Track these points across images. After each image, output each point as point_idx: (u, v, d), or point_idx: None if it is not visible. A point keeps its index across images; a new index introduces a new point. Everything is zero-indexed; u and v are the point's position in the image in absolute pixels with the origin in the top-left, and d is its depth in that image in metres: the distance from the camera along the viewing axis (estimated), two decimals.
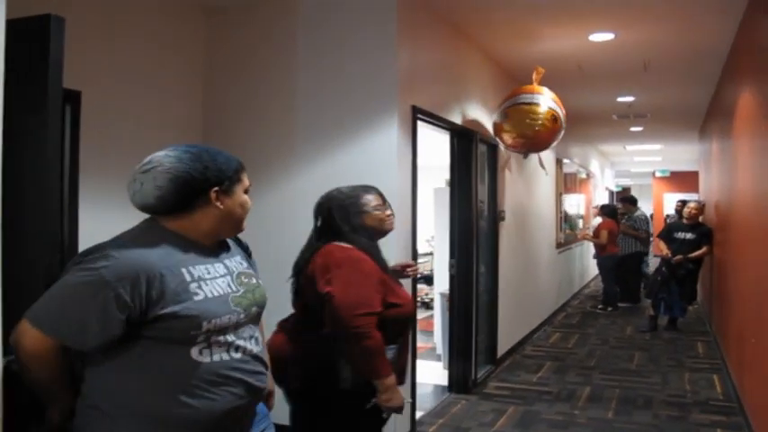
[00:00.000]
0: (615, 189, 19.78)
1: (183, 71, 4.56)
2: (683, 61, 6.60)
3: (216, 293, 1.86)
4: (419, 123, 4.56)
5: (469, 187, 5.66)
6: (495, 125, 5.85)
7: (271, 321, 2.97)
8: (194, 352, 1.80)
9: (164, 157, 1.88)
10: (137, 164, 1.91)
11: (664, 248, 8.38)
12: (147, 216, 1.95)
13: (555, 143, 6.07)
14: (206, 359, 1.82)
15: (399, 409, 2.61)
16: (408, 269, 3.07)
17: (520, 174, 7.59)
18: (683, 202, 9.77)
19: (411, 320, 2.75)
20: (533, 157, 7.57)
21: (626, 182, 23.49)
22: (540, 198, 8.79)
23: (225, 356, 1.86)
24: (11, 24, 1.98)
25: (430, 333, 7.24)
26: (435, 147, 5.94)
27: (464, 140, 5.61)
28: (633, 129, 11.58)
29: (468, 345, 5.72)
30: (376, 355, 2.50)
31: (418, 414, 4.78)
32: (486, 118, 6.07)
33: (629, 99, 8.72)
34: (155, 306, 1.75)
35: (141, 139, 3.98)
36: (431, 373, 6.10)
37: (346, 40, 4.36)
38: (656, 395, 5.71)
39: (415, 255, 4.50)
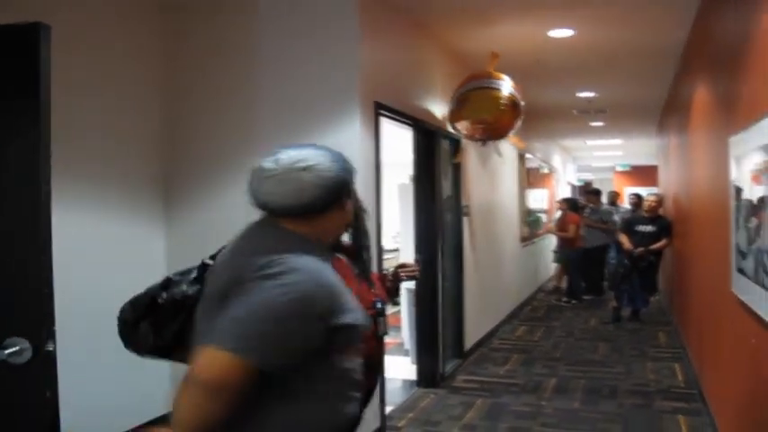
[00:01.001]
0: (577, 183, 20.03)
1: (142, 70, 4.50)
2: (641, 57, 6.73)
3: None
4: (382, 119, 4.59)
5: (433, 183, 5.71)
6: (452, 112, 5.73)
7: None
8: (344, 360, 1.72)
9: (317, 155, 1.75)
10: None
11: (626, 241, 8.53)
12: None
13: (513, 132, 5.97)
14: (349, 365, 1.74)
15: None
16: (401, 270, 3.02)
17: (484, 169, 7.67)
18: (638, 196, 9.95)
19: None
20: (496, 149, 7.65)
21: (588, 176, 23.78)
22: (503, 193, 8.89)
23: (355, 362, 1.78)
24: None
25: (398, 328, 7.27)
26: (399, 143, 5.97)
27: (427, 136, 5.66)
28: (594, 124, 11.75)
29: (435, 339, 5.78)
30: None
31: (388, 409, 4.82)
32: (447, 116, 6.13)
33: (590, 94, 8.86)
34: (337, 316, 1.65)
35: (99, 141, 3.97)
36: (399, 368, 6.15)
37: (308, 36, 4.35)
38: (621, 384, 5.83)
39: (380, 251, 4.54)
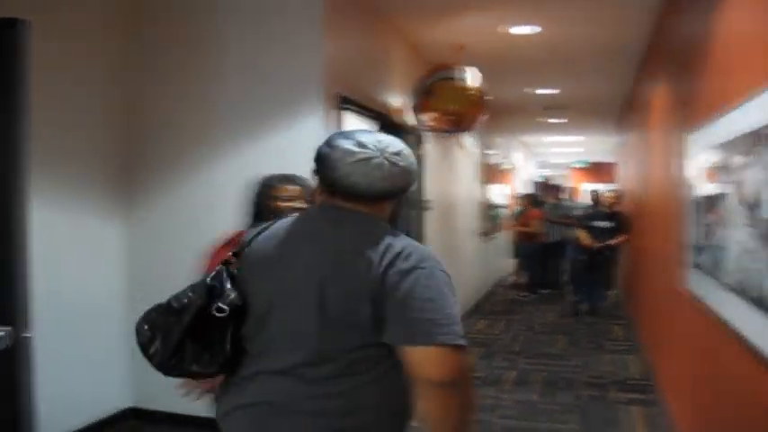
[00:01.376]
0: (538, 179, 20.24)
1: (100, 62, 4.43)
2: (603, 55, 6.82)
3: None
4: (346, 113, 4.58)
5: None
6: (418, 103, 5.64)
7: None
8: None
9: (400, 142, 1.75)
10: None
11: (584, 237, 8.65)
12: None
13: (479, 124, 5.97)
14: None
15: None
16: None
17: (445, 164, 7.71)
18: (597, 192, 10.10)
19: None
20: (458, 142, 7.67)
21: (548, 172, 24.04)
22: (464, 188, 8.95)
23: None
24: None
25: None
26: None
27: (390, 130, 5.65)
28: (555, 120, 11.88)
29: None
30: None
31: None
32: (410, 109, 6.14)
33: (552, 91, 8.95)
34: None
35: (58, 132, 3.91)
36: None
37: (272, 27, 4.32)
38: (578, 377, 5.92)
39: None
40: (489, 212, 11.14)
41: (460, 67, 5.50)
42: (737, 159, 2.52)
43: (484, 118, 5.78)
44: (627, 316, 8.71)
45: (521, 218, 10.98)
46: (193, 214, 4.44)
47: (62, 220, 4.04)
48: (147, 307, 1.87)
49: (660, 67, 5.38)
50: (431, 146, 6.84)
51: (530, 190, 13.60)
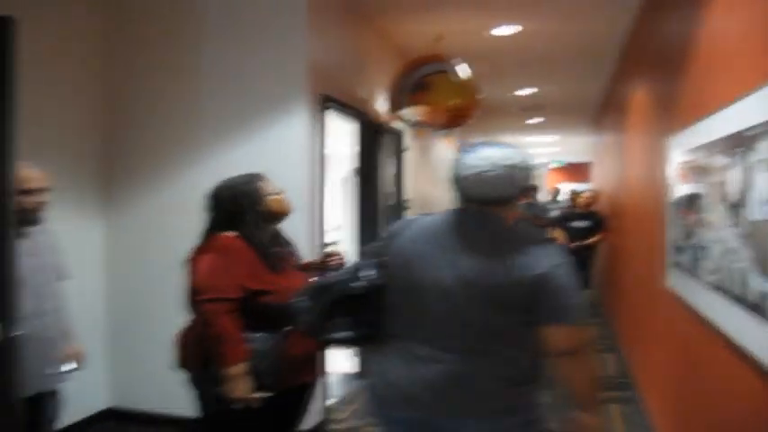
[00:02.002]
0: None
1: (81, 57, 4.38)
2: (582, 55, 6.86)
3: None
4: (329, 112, 4.57)
5: (376, 176, 5.72)
6: (406, 98, 5.29)
7: (170, 312, 2.97)
8: None
9: (518, 152, 2.09)
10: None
11: (560, 236, 8.69)
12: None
13: (473, 118, 5.69)
14: None
15: (247, 401, 2.55)
16: (332, 259, 3.09)
17: (424, 164, 7.72)
18: (575, 192, 10.15)
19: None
20: (437, 141, 7.67)
21: None
22: (443, 187, 8.95)
23: None
24: None
25: None
26: (343, 135, 5.96)
27: (371, 129, 5.66)
28: (533, 120, 11.94)
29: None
30: (221, 342, 2.51)
31: (330, 401, 4.81)
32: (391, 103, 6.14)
33: (530, 91, 8.99)
34: None
35: (37, 130, 3.84)
36: (339, 362, 6.13)
37: (255, 27, 4.31)
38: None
39: (323, 243, 4.53)
40: None
41: (450, 61, 5.28)
42: (719, 161, 2.55)
43: (477, 113, 5.58)
44: (604, 315, 8.78)
45: None
46: (174, 216, 4.39)
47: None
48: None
49: (639, 67, 5.42)
50: (410, 145, 6.84)
51: None
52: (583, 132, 13.58)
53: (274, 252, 2.75)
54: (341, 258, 3.11)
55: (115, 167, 4.54)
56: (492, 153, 2.05)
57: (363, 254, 2.34)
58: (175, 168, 4.46)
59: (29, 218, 2.78)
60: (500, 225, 2.08)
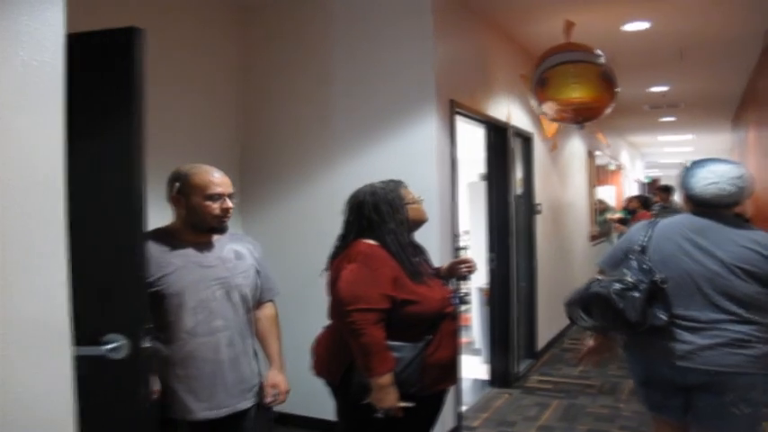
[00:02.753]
0: (645, 180, 19.59)
1: (219, 71, 4.57)
2: (718, 49, 6.53)
3: None
4: (456, 117, 4.55)
5: (505, 181, 5.64)
6: (536, 94, 5.06)
7: (309, 318, 3.02)
8: None
9: (738, 169, 2.74)
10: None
11: None
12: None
13: (609, 110, 5.08)
14: None
15: (393, 411, 2.53)
16: (463, 266, 3.04)
17: (554, 166, 7.55)
18: None
19: (437, 318, 2.69)
20: (570, 145, 7.48)
21: (655, 172, 23.24)
22: (573, 190, 8.74)
23: None
24: (86, 37, 2.15)
25: (467, 328, 7.22)
26: (465, 139, 5.93)
27: (499, 134, 5.59)
28: (665, 119, 11.47)
29: (508, 339, 5.71)
30: (369, 353, 2.49)
31: (462, 408, 4.78)
32: (519, 110, 6.05)
33: (663, 89, 8.64)
34: None
35: (177, 142, 4.03)
36: (470, 368, 6.10)
37: (383, 35, 4.35)
38: None
39: (455, 249, 4.51)
40: (598, 215, 10.84)
41: (577, 47, 4.88)
42: None
43: (612, 104, 4.98)
44: None
45: (629, 220, 10.62)
46: (308, 223, 4.50)
47: None
48: None
49: None
50: (539, 147, 6.71)
51: (638, 191, 13.15)
52: (720, 130, 12.89)
53: (415, 261, 2.74)
54: (471, 265, 3.05)
55: (248, 174, 4.70)
56: (724, 167, 2.72)
57: (614, 252, 3.01)
58: (307, 175, 4.56)
59: (214, 225, 2.58)
60: (734, 223, 2.71)
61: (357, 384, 2.59)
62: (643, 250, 2.77)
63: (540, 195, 6.68)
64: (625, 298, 2.66)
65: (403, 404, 2.55)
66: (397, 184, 2.84)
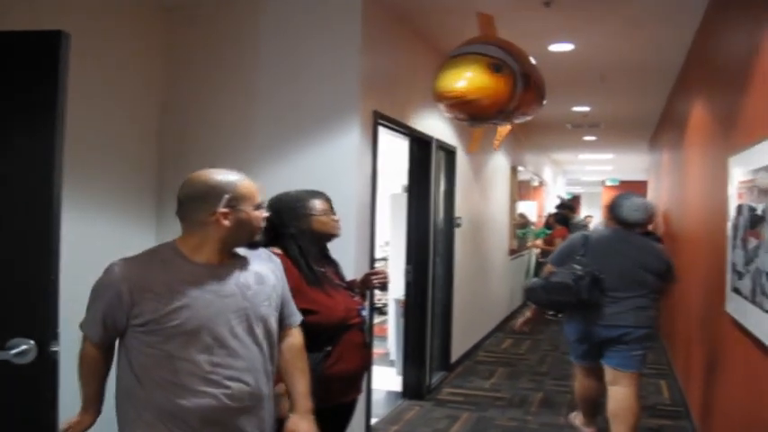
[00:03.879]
0: (566, 197, 20.08)
1: (141, 75, 4.43)
2: (637, 74, 6.74)
3: None
4: (380, 129, 4.54)
5: (427, 193, 5.67)
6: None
7: None
8: None
9: (646, 200, 4.46)
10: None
11: None
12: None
13: (509, 106, 4.23)
14: None
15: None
16: (375, 277, 3.03)
17: (476, 180, 7.64)
18: None
19: (339, 329, 2.67)
20: (493, 160, 7.56)
21: (577, 190, 23.86)
22: (495, 205, 8.87)
23: None
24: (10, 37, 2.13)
25: (383, 338, 7.22)
26: (392, 150, 5.94)
27: (422, 146, 5.62)
28: (586, 138, 11.77)
29: (423, 351, 5.73)
30: None
31: (372, 420, 4.76)
32: (442, 123, 6.08)
33: (585, 109, 8.86)
34: None
35: (95, 143, 3.89)
36: (384, 380, 6.09)
37: (309, 43, 4.30)
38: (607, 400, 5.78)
39: (372, 260, 4.49)
40: (518, 230, 11.03)
41: (472, 41, 4.29)
42: None
43: (513, 100, 4.21)
44: (660, 339, 8.54)
45: (547, 236, 10.85)
46: None
47: (92, 234, 3.99)
48: None
49: (698, 84, 5.27)
50: (462, 160, 6.77)
51: (557, 208, 13.46)
52: (638, 150, 13.33)
53: (317, 271, 2.71)
54: (384, 277, 3.05)
55: (168, 178, 4.57)
56: (644, 202, 4.43)
57: (560, 254, 4.50)
58: None
59: (257, 238, 2.25)
60: (642, 238, 4.44)
61: None
62: (585, 253, 4.25)
63: (461, 209, 6.74)
64: (579, 284, 4.10)
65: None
66: (309, 194, 2.81)
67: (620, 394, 4.26)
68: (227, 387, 2.00)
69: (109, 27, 4.08)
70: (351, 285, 2.96)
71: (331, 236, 2.83)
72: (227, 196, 2.13)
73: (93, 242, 3.86)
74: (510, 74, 4.08)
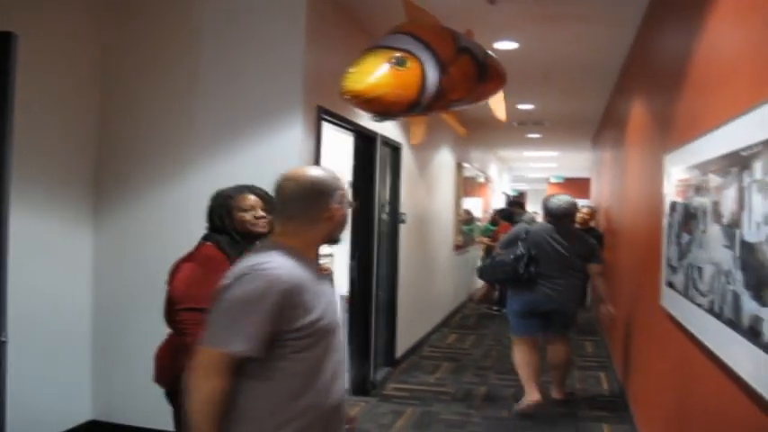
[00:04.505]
0: (512, 193, 20.34)
1: (76, 66, 4.33)
2: (579, 73, 6.86)
3: None
4: (324, 124, 4.53)
5: (371, 189, 5.68)
6: None
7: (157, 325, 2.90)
8: None
9: (569, 198, 5.42)
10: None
11: None
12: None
13: (421, 99, 3.71)
14: None
15: None
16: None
17: (422, 177, 7.68)
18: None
19: None
20: (439, 156, 7.58)
21: (522, 186, 24.19)
22: (440, 201, 8.93)
23: None
24: None
25: None
26: (338, 147, 5.93)
27: (367, 142, 5.62)
28: (531, 135, 11.92)
29: (367, 347, 5.74)
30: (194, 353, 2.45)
31: None
32: (389, 120, 6.07)
33: (529, 107, 8.98)
34: None
35: (29, 137, 3.78)
36: None
37: (254, 36, 4.26)
38: (549, 393, 5.88)
39: (317, 256, 4.47)
40: (463, 226, 11.13)
41: (389, 32, 3.92)
42: (715, 180, 2.51)
43: (426, 94, 3.73)
44: (599, 332, 8.72)
45: (491, 232, 10.98)
46: (164, 226, 4.34)
47: (30, 229, 3.90)
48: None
49: (637, 85, 5.40)
50: (408, 157, 6.80)
51: (503, 204, 13.63)
52: (582, 148, 13.57)
53: None
54: (327, 271, 3.05)
55: (106, 175, 4.49)
56: (567, 198, 5.27)
57: (506, 240, 5.62)
58: (167, 178, 4.40)
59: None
60: (571, 227, 5.29)
61: (185, 388, 2.52)
62: (525, 239, 5.29)
63: (406, 205, 6.77)
64: (517, 262, 5.21)
65: None
66: (237, 190, 2.82)
67: (558, 350, 5.60)
68: (342, 384, 2.10)
69: (42, 27, 3.97)
70: None
71: (251, 234, 2.80)
72: (339, 192, 2.09)
73: (28, 242, 3.79)
74: (416, 66, 3.69)
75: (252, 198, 2.80)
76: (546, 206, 5.42)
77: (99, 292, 4.48)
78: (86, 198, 4.42)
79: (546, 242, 5.26)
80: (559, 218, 5.30)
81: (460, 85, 4.19)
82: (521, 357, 5.41)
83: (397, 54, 3.64)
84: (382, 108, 3.79)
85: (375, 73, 3.58)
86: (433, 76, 3.77)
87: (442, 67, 3.85)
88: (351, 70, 3.64)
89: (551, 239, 5.26)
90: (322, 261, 4.40)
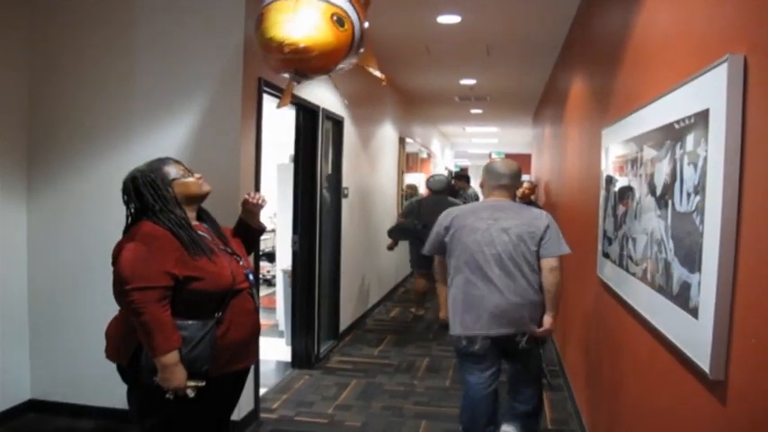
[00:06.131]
0: (454, 169, 20.50)
1: (4, 27, 4.19)
2: (521, 48, 6.91)
3: None
4: (265, 97, 4.48)
5: (314, 163, 5.65)
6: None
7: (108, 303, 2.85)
8: None
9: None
10: None
11: None
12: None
13: (342, 65, 3.48)
14: None
15: (182, 391, 2.49)
16: (249, 201, 3.06)
17: (364, 151, 7.67)
18: None
19: (226, 295, 2.63)
20: (381, 131, 7.56)
21: (464, 162, 24.39)
22: (383, 176, 8.94)
23: None
24: None
25: (272, 310, 7.20)
26: (282, 121, 5.88)
27: (309, 116, 5.59)
28: (473, 111, 12.02)
29: (311, 320, 5.75)
30: (150, 331, 2.43)
31: (262, 390, 4.74)
32: (330, 93, 6.06)
33: (471, 82, 9.03)
34: None
35: None
36: (274, 350, 6.09)
37: (193, 6, 4.17)
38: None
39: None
40: (406, 201, 11.18)
41: None
42: (649, 153, 2.58)
43: (349, 58, 3.50)
44: None
45: None
46: (101, 200, 4.25)
47: None
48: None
49: (578, 60, 5.47)
50: (350, 131, 6.79)
51: (453, 179, 13.68)
52: (523, 124, 13.74)
53: (196, 237, 2.66)
54: (258, 197, 3.08)
55: (39, 148, 4.36)
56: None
57: (405, 211, 7.57)
58: (103, 151, 4.30)
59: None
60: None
61: (144, 365, 2.50)
62: (419, 210, 6.74)
63: (348, 179, 6.77)
64: (416, 227, 6.70)
65: (192, 383, 2.49)
66: (161, 162, 2.76)
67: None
68: None
69: None
70: (234, 251, 2.90)
71: (199, 195, 2.79)
72: None
73: None
74: (350, 28, 3.41)
75: (177, 164, 2.77)
76: (427, 184, 7.05)
77: (35, 268, 4.37)
78: (19, 169, 4.30)
79: (434, 208, 5.60)
80: (437, 192, 7.34)
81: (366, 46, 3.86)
82: (417, 285, 8.11)
83: (338, 12, 3.34)
84: (317, 66, 3.41)
85: (318, 27, 3.22)
86: (357, 39, 3.54)
87: (361, 31, 3.61)
88: (284, 17, 3.20)
89: (438, 206, 5.41)
90: (271, 236, 4.39)
